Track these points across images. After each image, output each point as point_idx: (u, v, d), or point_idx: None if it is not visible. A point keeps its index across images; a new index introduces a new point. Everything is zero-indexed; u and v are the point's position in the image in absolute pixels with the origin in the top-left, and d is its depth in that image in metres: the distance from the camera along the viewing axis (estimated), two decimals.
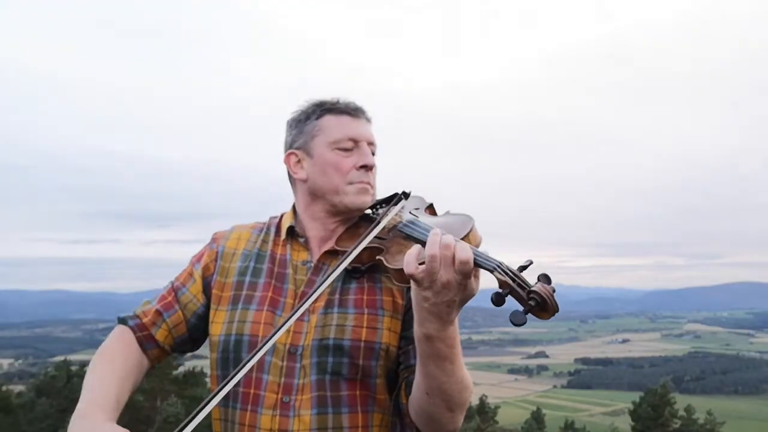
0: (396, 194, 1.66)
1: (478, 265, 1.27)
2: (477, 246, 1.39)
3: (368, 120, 1.67)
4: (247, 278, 1.62)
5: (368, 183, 1.61)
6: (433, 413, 1.42)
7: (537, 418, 42.41)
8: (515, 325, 1.20)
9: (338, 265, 1.43)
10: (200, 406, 1.28)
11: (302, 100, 1.69)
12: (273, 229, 1.71)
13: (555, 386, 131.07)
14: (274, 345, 1.46)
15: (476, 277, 1.28)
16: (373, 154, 1.65)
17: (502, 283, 1.24)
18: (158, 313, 1.63)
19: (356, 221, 1.65)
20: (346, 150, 1.60)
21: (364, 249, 1.47)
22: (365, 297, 1.55)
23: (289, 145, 1.66)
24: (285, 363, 1.50)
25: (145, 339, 1.62)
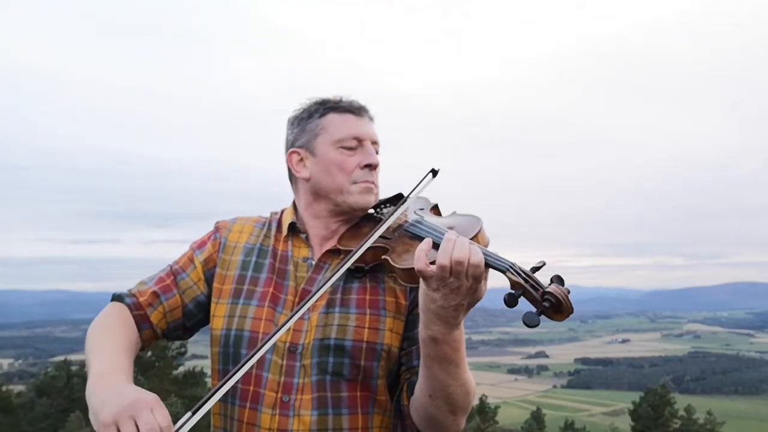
0: (399, 194, 1.65)
1: (490, 266, 1.25)
2: (485, 247, 1.37)
3: (371, 118, 1.65)
4: (249, 273, 1.60)
5: (372, 182, 1.60)
6: (435, 416, 1.40)
7: (537, 418, 42.44)
8: (529, 326, 1.18)
9: (343, 264, 1.40)
10: (218, 386, 1.26)
11: (302, 99, 1.67)
12: (274, 225, 1.69)
13: (555, 386, 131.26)
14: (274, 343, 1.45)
15: (485, 279, 1.27)
16: (377, 153, 1.63)
17: (514, 284, 1.22)
18: (155, 294, 1.59)
19: (359, 221, 1.64)
20: (350, 149, 1.58)
21: (368, 248, 1.45)
22: (368, 297, 1.53)
23: (291, 144, 1.64)
24: (285, 361, 1.48)
25: (141, 318, 1.57)
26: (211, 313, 1.59)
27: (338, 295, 1.53)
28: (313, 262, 1.58)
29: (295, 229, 1.64)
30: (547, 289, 1.18)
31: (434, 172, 1.56)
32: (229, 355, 1.52)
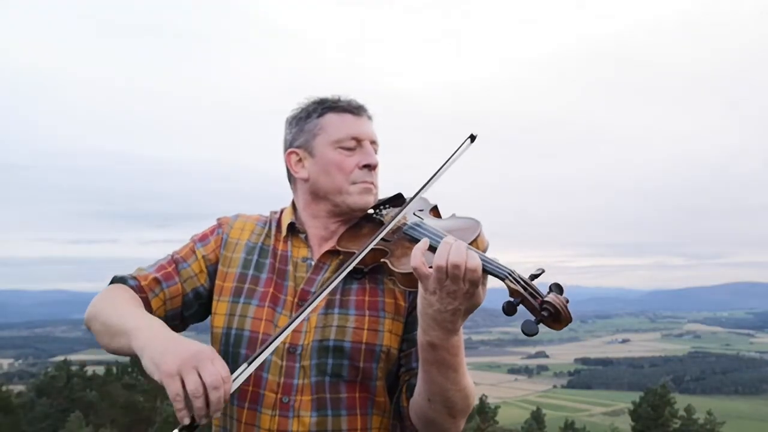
0: (399, 194, 1.62)
1: (488, 272, 1.24)
2: (484, 251, 1.36)
3: (370, 118, 1.63)
4: (251, 272, 1.59)
5: (372, 183, 1.59)
6: (434, 418, 1.40)
7: (537, 418, 42.45)
8: (527, 335, 1.17)
9: (346, 267, 1.38)
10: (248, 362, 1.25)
11: (302, 99, 1.65)
12: (274, 224, 1.68)
13: (555, 386, 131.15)
14: None
15: (483, 285, 1.26)
16: (376, 152, 1.62)
17: (513, 292, 1.21)
18: (156, 280, 1.56)
19: (358, 221, 1.63)
20: (349, 149, 1.57)
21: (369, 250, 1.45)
22: (367, 298, 1.52)
23: (290, 144, 1.63)
24: (284, 362, 1.48)
25: (143, 302, 1.52)
26: (213, 310, 1.59)
27: (337, 296, 1.52)
28: (313, 263, 1.58)
29: (294, 229, 1.63)
30: (546, 299, 1.17)
31: (473, 138, 1.52)
32: (228, 354, 1.51)
